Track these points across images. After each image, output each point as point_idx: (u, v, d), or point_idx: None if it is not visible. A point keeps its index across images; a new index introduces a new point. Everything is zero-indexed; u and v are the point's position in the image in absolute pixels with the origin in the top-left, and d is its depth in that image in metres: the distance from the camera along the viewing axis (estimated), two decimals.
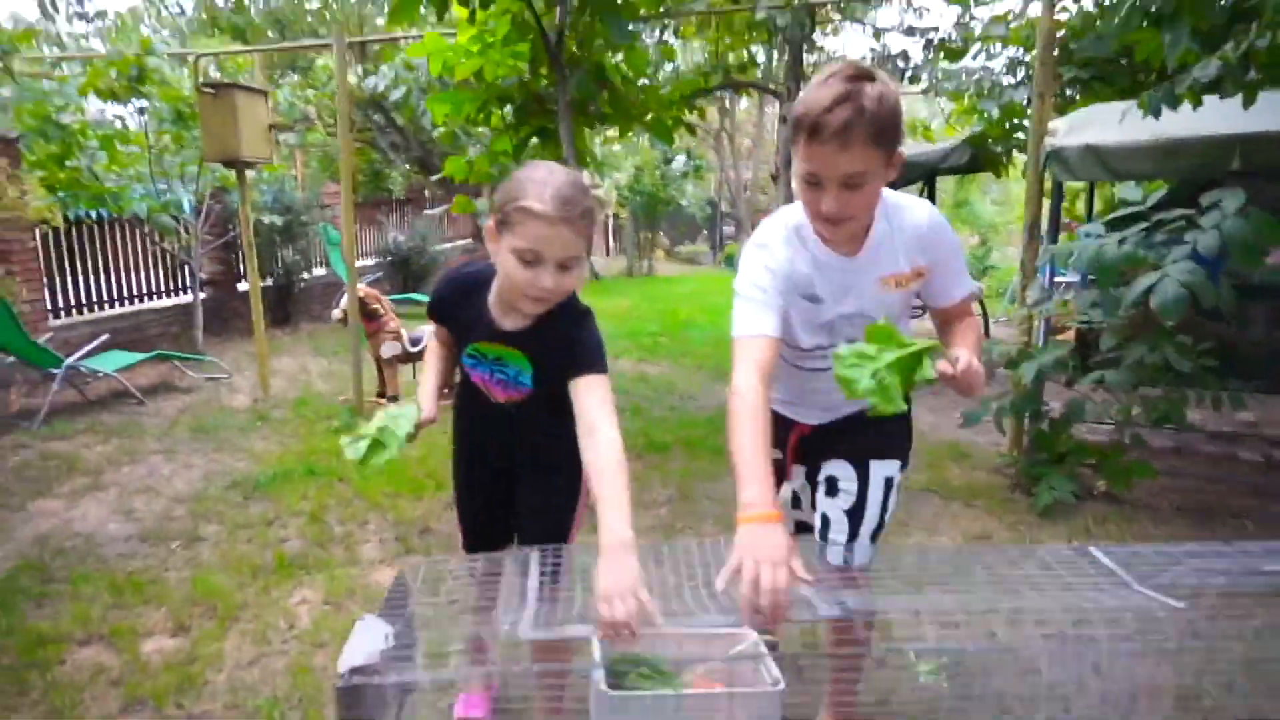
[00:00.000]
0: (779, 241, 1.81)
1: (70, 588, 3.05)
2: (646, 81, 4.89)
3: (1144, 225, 3.40)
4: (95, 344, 6.02)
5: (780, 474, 2.11)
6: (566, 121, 4.03)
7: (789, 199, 9.09)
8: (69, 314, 7.17)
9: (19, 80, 7.18)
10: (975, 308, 1.69)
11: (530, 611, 1.53)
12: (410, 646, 1.43)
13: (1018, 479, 4.16)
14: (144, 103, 7.17)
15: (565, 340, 1.77)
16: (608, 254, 20.36)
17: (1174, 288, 2.91)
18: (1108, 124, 3.76)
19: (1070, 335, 4.89)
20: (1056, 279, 5.14)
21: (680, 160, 17.69)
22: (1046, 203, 4.38)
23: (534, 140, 4.47)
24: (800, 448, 2.07)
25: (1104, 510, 3.80)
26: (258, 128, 5.74)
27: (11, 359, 5.65)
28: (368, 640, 1.43)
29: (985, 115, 6.48)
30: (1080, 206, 7.65)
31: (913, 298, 1.89)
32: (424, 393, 1.93)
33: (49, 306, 6.87)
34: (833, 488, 1.97)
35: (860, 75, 1.56)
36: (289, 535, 3.58)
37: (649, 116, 4.74)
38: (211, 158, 5.74)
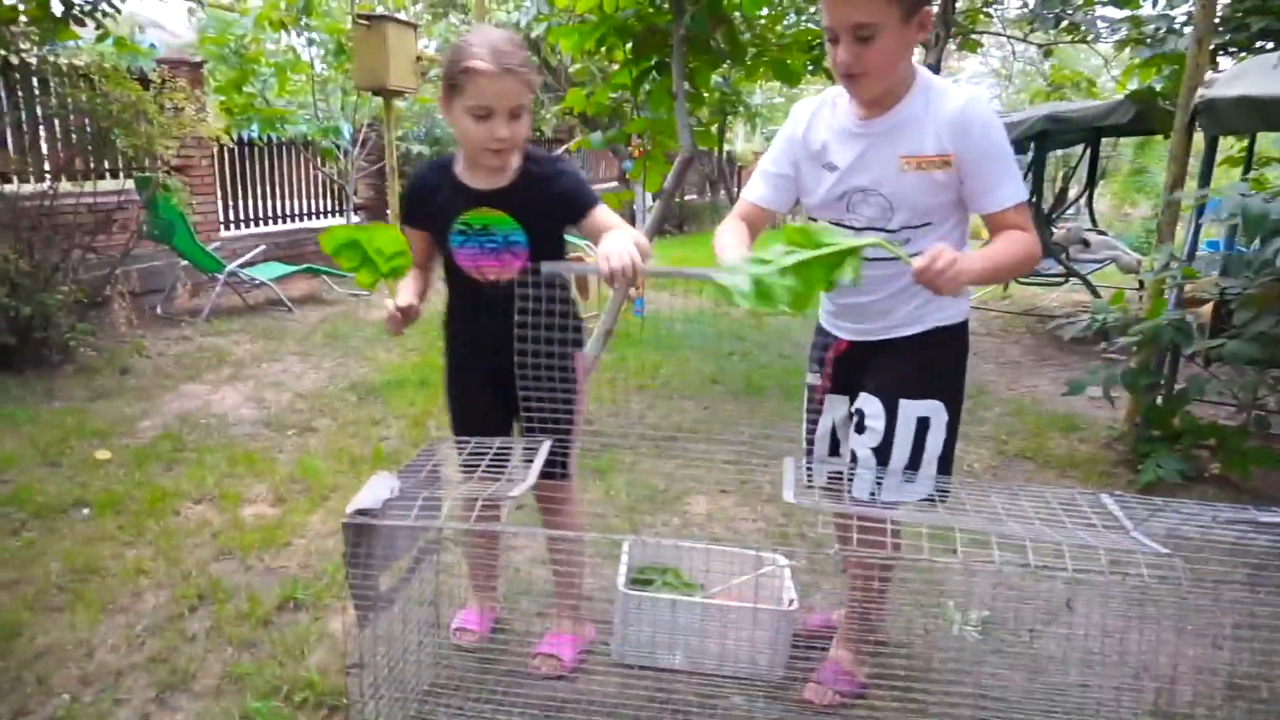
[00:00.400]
0: (808, 107, 1.90)
1: (196, 456, 3.46)
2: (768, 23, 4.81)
3: None
4: (254, 253, 6.62)
5: (820, 400, 2.09)
6: (679, 55, 4.04)
7: None
8: (237, 227, 7.89)
9: (208, 10, 7.86)
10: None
11: (527, 485, 1.65)
12: (418, 499, 1.58)
13: (1125, 454, 3.92)
14: (312, 35, 7.71)
15: (551, 189, 1.90)
16: None
17: None
18: (1267, 73, 3.41)
19: (1208, 310, 4.49)
20: (1202, 253, 4.71)
21: None
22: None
23: (653, 75, 4.51)
24: (837, 368, 2.01)
25: (1212, 495, 3.52)
26: (406, 59, 6.07)
27: (184, 262, 6.31)
28: (377, 490, 1.59)
29: (1161, 70, 5.93)
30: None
31: (945, 192, 1.76)
32: (402, 290, 1.88)
33: (221, 219, 7.58)
34: (861, 424, 1.91)
35: None
36: (390, 434, 3.88)
37: (768, 58, 4.67)
38: (362, 85, 6.13)
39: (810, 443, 2.12)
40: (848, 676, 2.02)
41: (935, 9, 1.69)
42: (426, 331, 5.97)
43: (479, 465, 1.73)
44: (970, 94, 1.74)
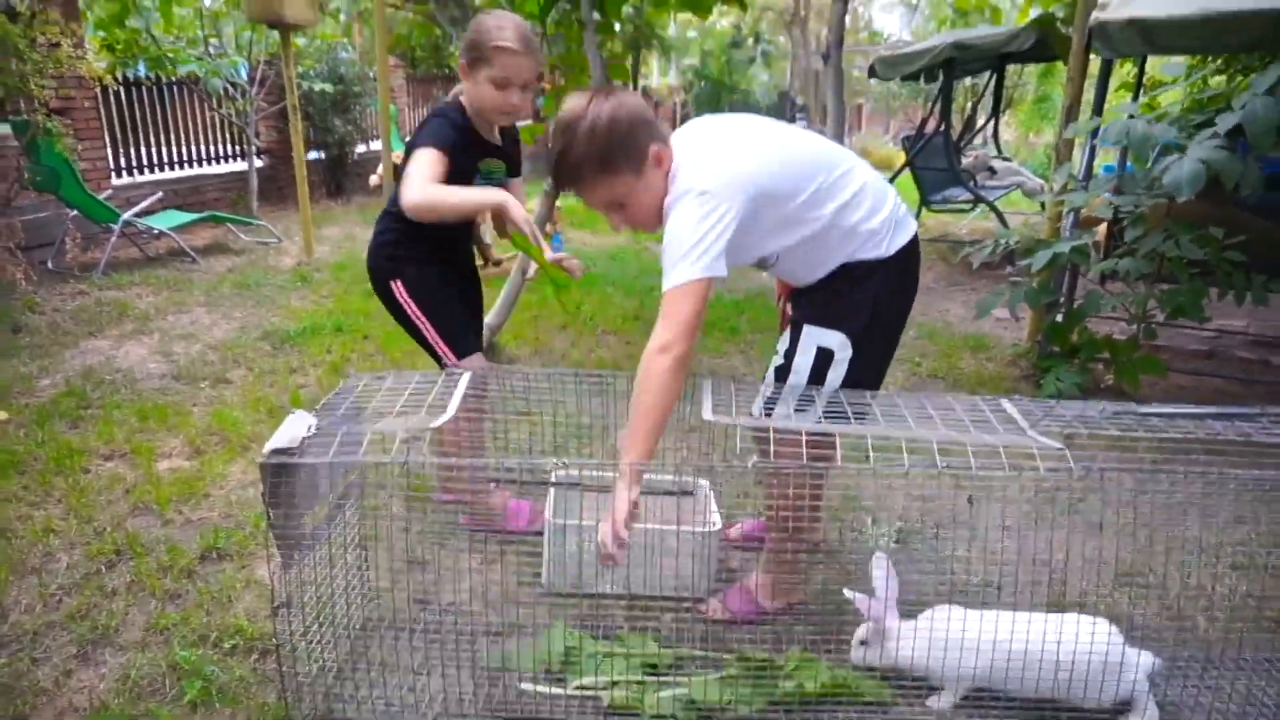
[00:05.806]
0: None
1: (103, 413, 3.33)
2: None
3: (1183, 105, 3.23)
4: (149, 201, 6.28)
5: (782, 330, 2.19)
6: None
7: (838, 84, 8.67)
8: (130, 174, 7.45)
9: None
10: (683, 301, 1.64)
11: (448, 416, 1.65)
12: (338, 436, 1.56)
13: (1029, 370, 4.12)
14: None
15: (514, 146, 2.48)
16: None
17: (1191, 164, 2.77)
18: None
19: (1103, 229, 4.70)
20: (1101, 175, 4.90)
21: (750, 45, 17.01)
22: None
23: (562, 3, 4.39)
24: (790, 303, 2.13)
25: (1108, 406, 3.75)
26: None
27: (73, 213, 5.95)
28: (294, 428, 1.57)
29: None
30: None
31: (745, 242, 1.83)
32: (495, 194, 2.14)
33: (111, 165, 7.15)
34: (777, 348, 2.01)
35: (565, 126, 1.72)
36: (308, 382, 3.80)
37: None
38: (254, 17, 5.79)
39: None
40: (749, 598, 2.10)
41: (656, 148, 1.77)
42: (340, 277, 5.82)
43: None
44: (679, 188, 1.75)
